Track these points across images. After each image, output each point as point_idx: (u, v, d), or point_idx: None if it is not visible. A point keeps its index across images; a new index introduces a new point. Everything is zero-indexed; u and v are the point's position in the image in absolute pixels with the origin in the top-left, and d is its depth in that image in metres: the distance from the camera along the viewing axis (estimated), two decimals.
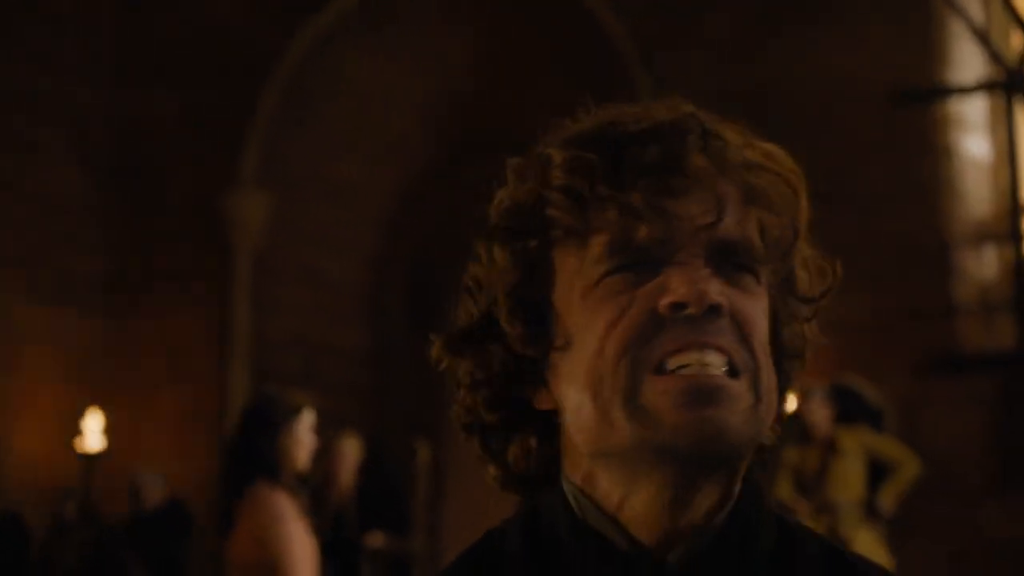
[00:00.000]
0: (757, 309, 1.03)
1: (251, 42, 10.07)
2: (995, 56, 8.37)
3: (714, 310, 0.98)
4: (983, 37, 8.32)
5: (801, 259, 1.09)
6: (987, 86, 8.58)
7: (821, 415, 6.97)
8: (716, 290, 0.99)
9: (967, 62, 8.63)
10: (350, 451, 7.34)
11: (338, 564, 6.77)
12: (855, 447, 6.93)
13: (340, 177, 10.55)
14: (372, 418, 10.28)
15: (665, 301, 0.98)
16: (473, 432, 1.12)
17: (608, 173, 1.02)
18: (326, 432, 7.42)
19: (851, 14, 8.65)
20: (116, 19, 10.48)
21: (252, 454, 4.01)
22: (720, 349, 0.99)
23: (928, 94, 8.47)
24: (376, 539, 7.24)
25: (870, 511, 6.86)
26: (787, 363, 1.09)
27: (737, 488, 1.04)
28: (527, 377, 1.07)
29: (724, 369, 0.99)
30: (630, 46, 8.97)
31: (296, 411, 4.07)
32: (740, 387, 0.99)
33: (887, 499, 6.86)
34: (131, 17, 10.51)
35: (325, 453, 7.31)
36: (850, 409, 7.04)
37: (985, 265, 8.61)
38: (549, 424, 1.08)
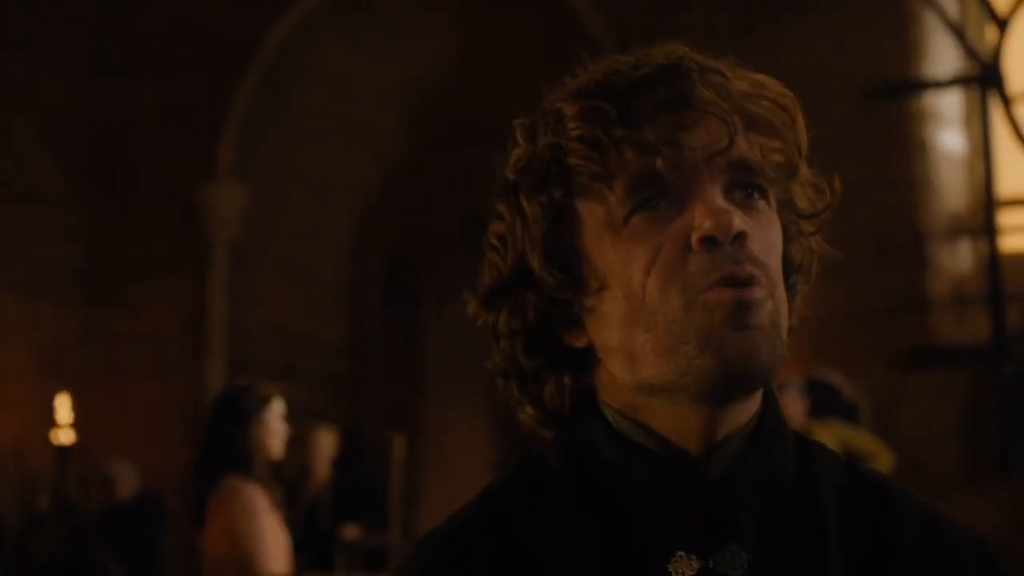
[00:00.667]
0: (773, 234, 1.10)
1: (228, 32, 10.03)
2: (970, 51, 8.41)
3: (739, 237, 1.05)
4: (958, 32, 8.36)
5: (801, 178, 1.16)
6: (962, 80, 8.61)
7: (795, 408, 6.98)
8: (739, 218, 1.05)
9: (942, 56, 8.67)
10: (325, 444, 7.33)
11: (313, 557, 6.76)
12: (829, 440, 6.95)
13: (317, 168, 10.52)
14: (349, 410, 10.27)
15: (696, 236, 1.05)
16: (510, 377, 1.18)
17: (621, 117, 1.08)
18: (303, 424, 7.43)
19: (827, 8, 8.67)
20: (93, 9, 10.41)
21: (223, 447, 4.01)
22: (750, 276, 1.05)
23: (903, 88, 8.50)
24: (351, 532, 7.24)
25: None
26: (794, 277, 1.16)
27: (759, 402, 1.13)
28: (561, 320, 1.13)
29: (751, 289, 1.05)
30: (609, 41, 8.97)
31: (266, 401, 4.08)
32: (763, 293, 1.06)
33: None
34: (108, 7, 10.44)
35: (300, 445, 7.31)
36: (824, 402, 7.06)
37: (960, 259, 8.65)
38: (583, 361, 1.14)
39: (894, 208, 8.37)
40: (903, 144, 8.47)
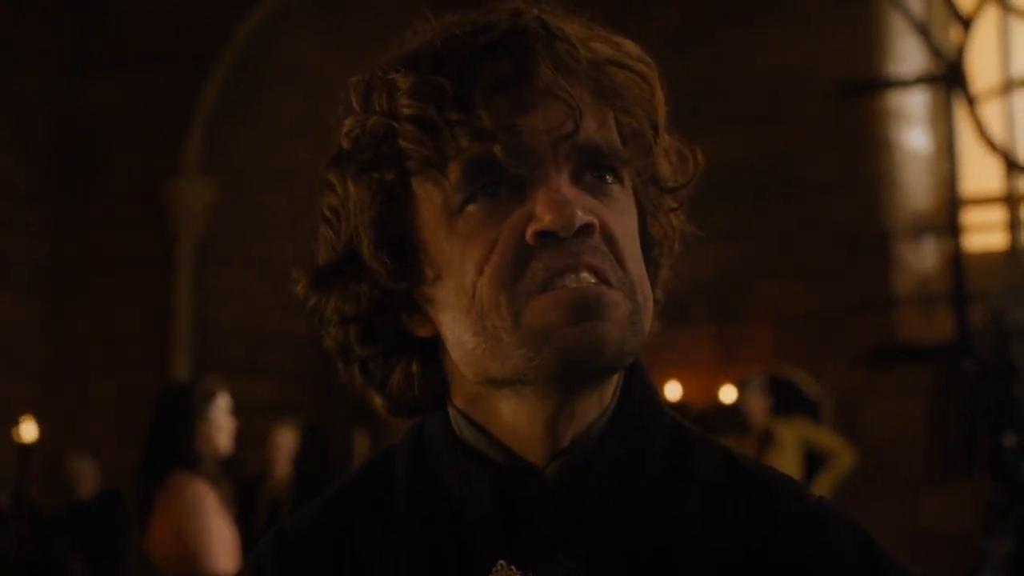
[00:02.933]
0: (626, 219, 1.02)
1: (197, 28, 9.96)
2: (935, 50, 8.43)
3: (584, 231, 0.96)
4: (924, 31, 8.38)
5: (662, 150, 1.07)
6: (927, 79, 8.64)
7: (758, 406, 7.00)
8: (584, 209, 0.97)
9: (908, 56, 8.68)
10: (285, 441, 7.29)
11: None
12: (792, 438, 6.96)
13: (286, 164, 10.47)
14: (317, 406, 10.23)
15: (532, 230, 0.96)
16: (351, 363, 1.09)
17: (457, 96, 0.98)
18: (270, 420, 7.39)
19: (795, 7, 8.67)
20: (60, 5, 10.35)
21: (169, 445, 3.97)
22: (592, 268, 0.97)
23: (869, 87, 8.52)
24: None
25: None
26: (656, 252, 1.09)
27: (611, 396, 1.04)
28: (400, 307, 1.05)
29: (595, 283, 0.97)
30: None
31: (211, 396, 4.04)
32: (617, 295, 0.97)
33: (821, 490, 6.89)
34: (75, 3, 10.37)
35: (264, 442, 7.28)
36: (787, 400, 7.08)
37: (924, 257, 8.67)
38: (432, 349, 1.06)
39: (860, 206, 8.38)
40: (869, 143, 8.49)
